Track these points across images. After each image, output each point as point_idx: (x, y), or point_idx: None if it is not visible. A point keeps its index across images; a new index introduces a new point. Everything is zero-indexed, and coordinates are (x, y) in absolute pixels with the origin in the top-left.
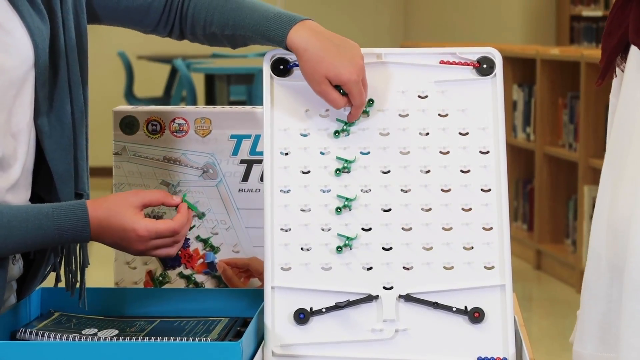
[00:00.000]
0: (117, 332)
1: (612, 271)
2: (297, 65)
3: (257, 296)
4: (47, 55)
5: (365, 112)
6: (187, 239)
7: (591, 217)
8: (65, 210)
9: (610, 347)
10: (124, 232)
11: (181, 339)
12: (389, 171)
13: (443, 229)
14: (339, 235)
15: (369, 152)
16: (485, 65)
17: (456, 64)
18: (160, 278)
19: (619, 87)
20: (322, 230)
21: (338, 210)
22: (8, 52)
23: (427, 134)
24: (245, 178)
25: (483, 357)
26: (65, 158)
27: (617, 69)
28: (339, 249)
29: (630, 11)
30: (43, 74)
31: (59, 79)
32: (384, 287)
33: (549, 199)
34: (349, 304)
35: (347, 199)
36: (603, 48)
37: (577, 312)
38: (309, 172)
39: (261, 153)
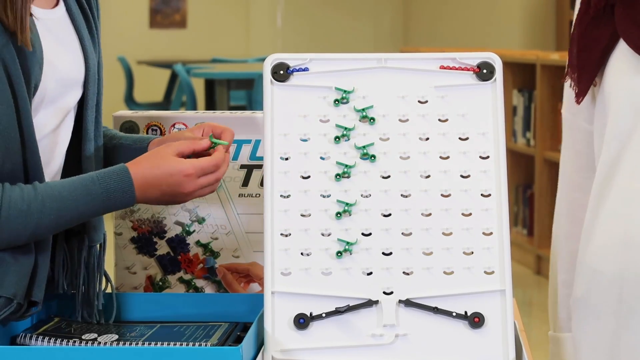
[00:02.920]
0: (117, 337)
1: (621, 286)
2: (297, 71)
3: (257, 301)
4: (96, 78)
5: (366, 118)
6: (187, 244)
7: None
8: (110, 173)
9: None
10: (171, 178)
11: (181, 344)
12: (389, 176)
13: (443, 234)
14: (339, 240)
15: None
16: (485, 71)
17: (456, 69)
18: (160, 283)
19: (588, 105)
20: (322, 235)
21: (338, 215)
22: (67, 61)
23: (427, 139)
24: (245, 183)
25: None
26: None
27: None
28: (339, 254)
29: (624, 20)
30: (91, 98)
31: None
32: (384, 292)
33: (549, 204)
34: (349, 309)
35: (347, 204)
36: (580, 65)
37: (558, 334)
38: (309, 177)
39: (261, 158)
